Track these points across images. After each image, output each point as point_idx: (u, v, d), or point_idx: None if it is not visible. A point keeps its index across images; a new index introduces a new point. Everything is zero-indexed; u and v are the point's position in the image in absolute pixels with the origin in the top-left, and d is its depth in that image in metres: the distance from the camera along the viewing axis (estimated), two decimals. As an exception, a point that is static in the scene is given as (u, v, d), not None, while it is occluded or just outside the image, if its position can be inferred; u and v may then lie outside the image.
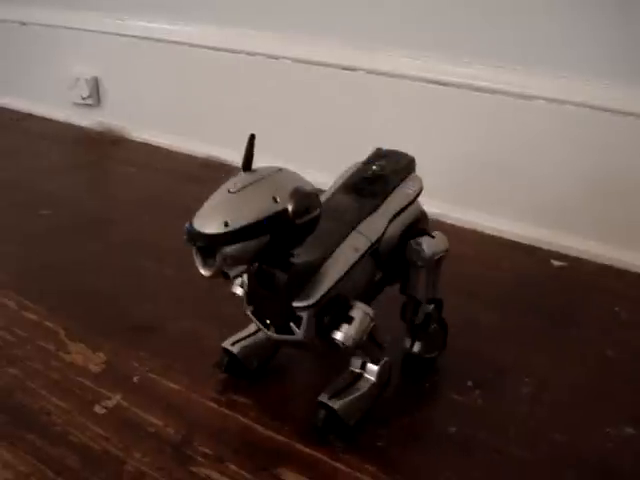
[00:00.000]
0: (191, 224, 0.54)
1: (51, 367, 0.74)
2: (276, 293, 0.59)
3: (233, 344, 0.71)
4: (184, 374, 0.73)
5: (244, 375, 0.71)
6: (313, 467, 0.61)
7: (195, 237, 0.53)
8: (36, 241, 1.03)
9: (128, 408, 0.68)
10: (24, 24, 1.63)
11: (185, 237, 0.54)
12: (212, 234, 0.53)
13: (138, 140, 1.48)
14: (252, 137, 0.56)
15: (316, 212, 0.57)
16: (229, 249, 0.53)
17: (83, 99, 1.55)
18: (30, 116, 1.65)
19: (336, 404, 0.62)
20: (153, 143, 1.45)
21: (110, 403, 0.69)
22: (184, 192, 1.20)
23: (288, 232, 0.56)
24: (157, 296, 0.88)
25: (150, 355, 0.76)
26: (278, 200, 0.55)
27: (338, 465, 0.61)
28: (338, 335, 0.60)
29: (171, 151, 1.42)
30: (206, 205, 0.55)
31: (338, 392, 0.64)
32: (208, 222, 0.53)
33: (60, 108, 1.60)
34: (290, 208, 0.55)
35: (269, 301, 0.61)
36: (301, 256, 0.59)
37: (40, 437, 0.64)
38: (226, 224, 0.53)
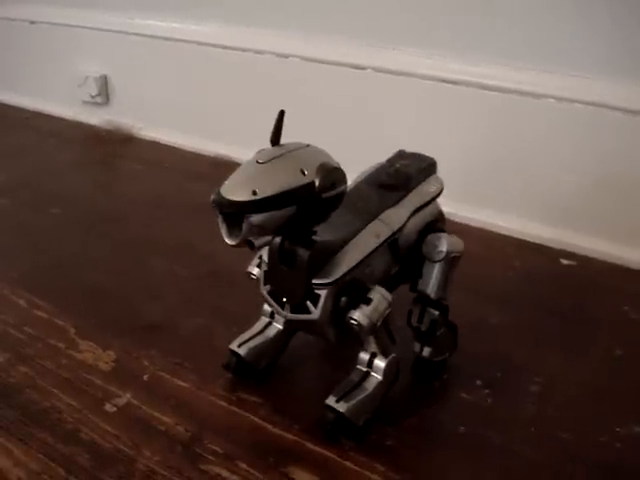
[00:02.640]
0: (219, 192, 0.54)
1: (61, 365, 0.74)
2: (296, 269, 0.59)
3: (240, 345, 0.71)
4: (194, 372, 0.73)
5: (252, 375, 0.72)
6: (323, 466, 0.61)
7: (223, 204, 0.53)
8: (46, 239, 1.03)
9: (138, 406, 0.68)
10: (33, 23, 1.63)
11: (212, 204, 0.54)
12: (240, 201, 0.53)
13: (147, 138, 1.48)
14: (282, 113, 0.57)
15: (342, 187, 0.58)
16: (256, 218, 0.53)
17: (92, 97, 1.55)
18: (39, 114, 1.66)
19: (343, 407, 0.62)
20: (162, 141, 1.46)
21: (120, 401, 0.69)
22: (193, 190, 1.20)
23: (314, 205, 0.56)
24: (167, 294, 0.88)
25: (160, 353, 0.76)
26: (306, 173, 0.55)
27: (348, 464, 0.61)
28: (355, 314, 0.60)
29: (180, 149, 1.42)
30: (235, 174, 0.56)
31: (345, 394, 0.63)
32: (236, 190, 0.54)
33: (69, 106, 1.61)
34: (317, 181, 0.55)
35: (288, 278, 0.61)
36: (323, 236, 0.60)
37: (51, 435, 0.64)
38: (254, 192, 0.53)
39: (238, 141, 1.26)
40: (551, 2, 0.96)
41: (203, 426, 0.66)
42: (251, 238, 0.55)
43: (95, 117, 1.57)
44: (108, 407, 0.68)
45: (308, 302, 0.61)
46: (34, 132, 1.56)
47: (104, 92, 1.55)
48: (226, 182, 0.55)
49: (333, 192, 0.57)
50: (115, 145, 1.48)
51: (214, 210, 0.54)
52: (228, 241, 0.55)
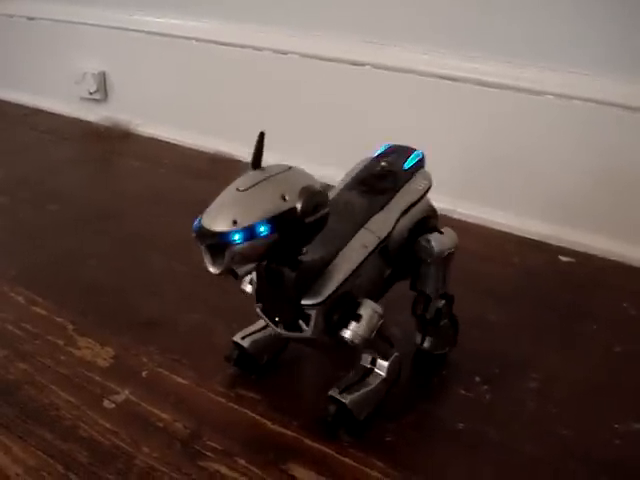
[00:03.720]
0: (200, 222, 0.54)
1: (60, 362, 0.74)
2: (284, 291, 0.59)
3: (243, 338, 0.71)
4: (193, 369, 0.73)
5: (253, 369, 0.72)
6: (321, 462, 0.61)
7: (204, 235, 0.53)
8: (44, 236, 1.03)
9: (137, 403, 0.68)
10: (32, 19, 1.63)
11: (194, 235, 0.54)
12: (221, 232, 0.53)
13: (145, 135, 1.48)
14: (262, 135, 0.56)
15: (324, 210, 0.57)
16: (238, 247, 0.53)
17: (90, 94, 1.55)
18: (37, 111, 1.66)
19: (346, 399, 0.63)
20: (160, 138, 1.46)
21: (119, 398, 0.69)
22: (192, 187, 1.20)
23: (297, 231, 0.55)
24: (165, 291, 0.88)
25: (159, 350, 0.76)
26: (287, 198, 0.54)
27: (346, 460, 0.61)
28: (346, 333, 0.60)
29: (179, 146, 1.42)
30: (215, 203, 0.55)
31: (348, 387, 0.64)
32: (217, 220, 0.53)
33: (67, 103, 1.61)
34: (299, 207, 0.54)
35: (278, 299, 0.61)
36: (310, 254, 0.59)
37: (49, 432, 0.64)
38: (235, 222, 0.53)
39: (237, 138, 1.26)
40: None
41: (202, 422, 0.66)
42: (234, 267, 0.55)
43: (93, 114, 1.57)
44: (107, 404, 0.68)
45: (300, 321, 0.60)
46: (32, 129, 1.56)
47: (102, 88, 1.55)
48: (207, 211, 0.55)
49: (316, 216, 0.56)
50: (113, 142, 1.47)
51: (195, 241, 0.54)
52: (212, 270, 0.55)
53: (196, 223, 0.54)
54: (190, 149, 1.40)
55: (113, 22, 1.48)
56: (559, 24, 0.96)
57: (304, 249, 0.59)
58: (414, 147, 0.74)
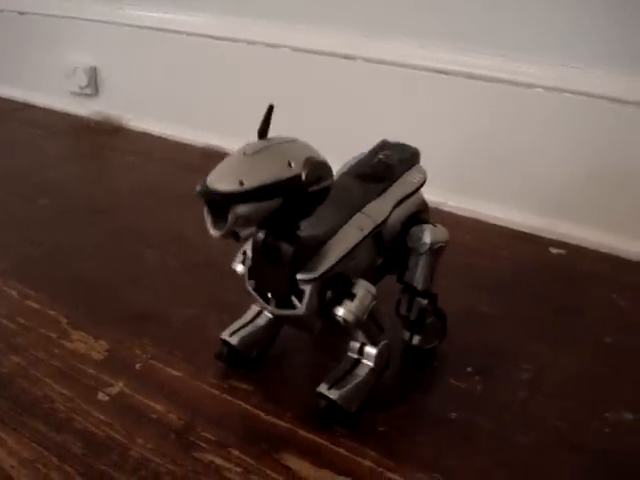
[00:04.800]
0: (205, 182, 0.54)
1: (54, 355, 0.74)
2: (280, 265, 0.60)
3: (231, 335, 0.71)
4: (186, 361, 0.73)
5: (244, 364, 0.72)
6: (315, 452, 0.62)
7: (209, 194, 0.53)
8: (36, 230, 1.03)
9: (131, 395, 0.68)
10: (22, 13, 1.63)
11: (198, 194, 0.54)
12: (227, 192, 0.53)
13: (137, 129, 1.48)
14: (271, 107, 0.57)
15: (327, 182, 0.58)
16: (242, 208, 0.53)
17: (81, 88, 1.55)
18: (28, 106, 1.65)
19: (335, 394, 0.63)
20: (152, 132, 1.46)
21: (113, 390, 0.69)
22: (183, 181, 1.20)
23: (300, 198, 0.56)
24: (158, 284, 0.88)
25: (152, 342, 0.76)
26: (292, 165, 0.55)
27: (340, 450, 0.62)
28: (340, 311, 0.61)
29: (170, 140, 1.42)
30: (221, 165, 0.56)
31: (337, 381, 0.64)
32: (223, 180, 0.54)
33: (58, 98, 1.60)
34: (304, 174, 0.55)
35: (272, 273, 0.61)
36: (307, 230, 0.60)
37: (44, 424, 0.64)
38: (241, 183, 0.53)
39: (229, 132, 1.26)
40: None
41: (196, 414, 0.66)
42: (236, 229, 0.55)
43: (84, 108, 1.57)
44: (101, 396, 0.68)
45: (293, 297, 0.61)
46: (23, 123, 1.55)
47: (93, 83, 1.54)
48: (212, 173, 0.55)
49: (319, 186, 0.57)
50: (105, 136, 1.47)
51: (200, 200, 0.54)
52: (213, 232, 0.55)
53: (200, 185, 0.54)
54: (181, 143, 1.40)
55: (104, 16, 1.47)
56: (552, 18, 0.97)
57: (302, 225, 0.59)
58: (408, 143, 0.74)
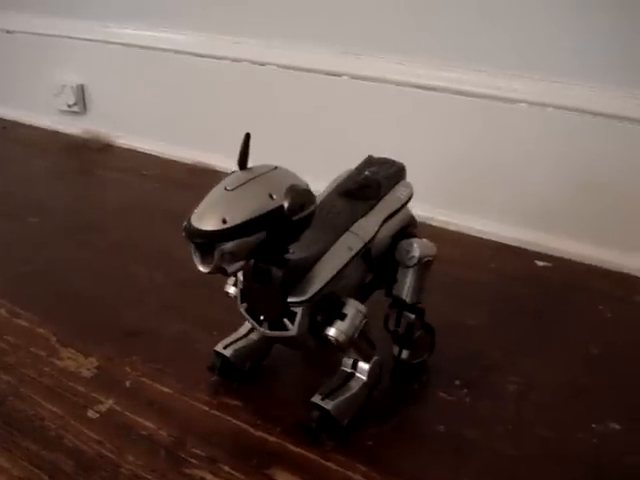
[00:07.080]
0: (189, 221, 0.55)
1: (44, 373, 0.74)
2: (271, 288, 0.60)
3: (225, 347, 0.72)
4: (175, 378, 0.73)
5: (237, 377, 0.72)
6: (305, 467, 0.62)
7: (194, 234, 0.54)
8: (26, 248, 1.03)
9: (121, 412, 0.69)
10: (10, 32, 1.63)
11: (184, 234, 0.55)
12: (210, 231, 0.54)
13: (125, 147, 1.48)
14: (247, 136, 0.57)
15: (311, 208, 0.58)
16: (227, 245, 0.54)
17: (69, 106, 1.55)
18: (16, 124, 1.65)
19: (329, 405, 0.63)
20: (140, 149, 1.46)
21: (103, 407, 0.69)
22: (172, 198, 1.20)
23: (284, 228, 0.57)
24: (147, 301, 0.88)
25: (141, 359, 0.76)
26: (274, 197, 0.56)
27: (330, 465, 0.62)
28: (331, 331, 0.61)
29: (158, 157, 1.42)
30: (204, 203, 0.56)
31: (331, 393, 0.64)
32: (206, 219, 0.54)
33: (46, 116, 1.60)
34: (286, 205, 0.56)
35: (264, 297, 0.62)
36: (296, 253, 0.60)
37: (34, 442, 0.64)
38: (224, 221, 0.54)
39: (216, 148, 1.27)
40: (523, 8, 0.98)
41: (186, 430, 0.66)
42: (224, 265, 0.56)
43: (73, 126, 1.57)
44: (91, 413, 0.68)
45: (285, 319, 0.61)
46: (11, 142, 1.55)
47: (81, 101, 1.55)
48: (196, 210, 0.55)
49: (302, 213, 0.57)
50: (93, 154, 1.47)
51: (185, 240, 0.55)
52: (201, 269, 0.56)
53: (186, 223, 0.55)
54: (170, 160, 1.41)
55: (91, 35, 1.48)
56: (535, 33, 0.98)
57: (291, 249, 0.60)
58: (394, 159, 0.75)
